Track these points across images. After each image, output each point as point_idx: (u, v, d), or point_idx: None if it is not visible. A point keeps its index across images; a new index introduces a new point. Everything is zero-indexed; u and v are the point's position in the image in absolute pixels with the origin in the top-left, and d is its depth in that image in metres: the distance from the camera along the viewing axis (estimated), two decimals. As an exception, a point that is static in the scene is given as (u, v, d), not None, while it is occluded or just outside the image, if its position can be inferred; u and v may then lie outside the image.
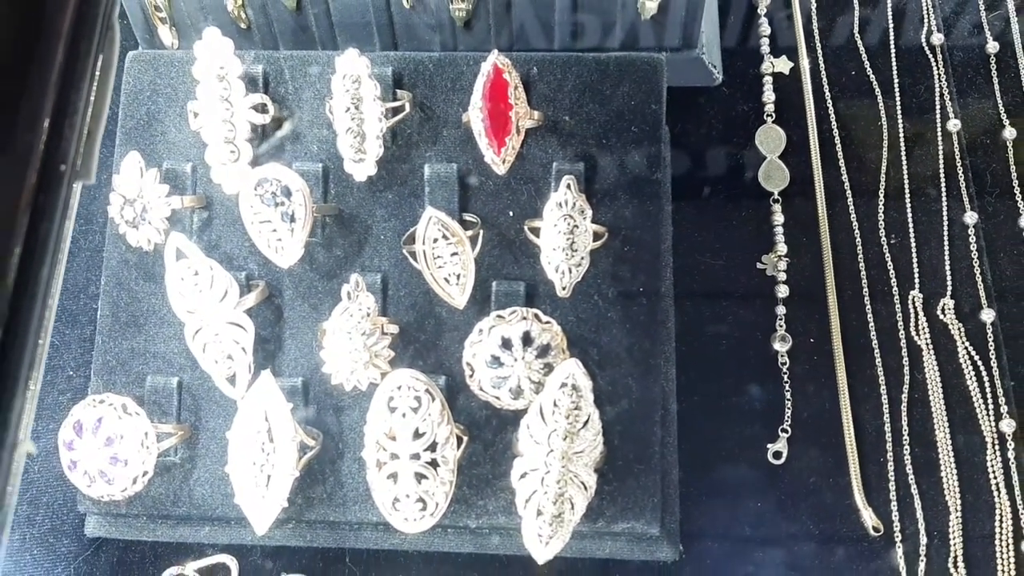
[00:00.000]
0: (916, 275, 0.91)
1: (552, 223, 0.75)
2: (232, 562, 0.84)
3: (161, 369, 0.82)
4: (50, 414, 0.91)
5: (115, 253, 0.85)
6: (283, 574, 0.83)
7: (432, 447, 0.73)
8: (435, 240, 0.75)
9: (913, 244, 0.92)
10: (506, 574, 0.83)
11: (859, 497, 0.84)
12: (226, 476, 0.81)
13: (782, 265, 0.92)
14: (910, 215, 0.93)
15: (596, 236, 0.77)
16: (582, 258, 0.75)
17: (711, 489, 0.85)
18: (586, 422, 0.72)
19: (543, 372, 0.74)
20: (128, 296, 0.84)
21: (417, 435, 0.73)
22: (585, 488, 0.73)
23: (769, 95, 0.98)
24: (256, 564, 0.85)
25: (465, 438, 0.77)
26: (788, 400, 0.87)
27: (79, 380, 0.91)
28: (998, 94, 0.97)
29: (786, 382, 0.88)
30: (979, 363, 0.87)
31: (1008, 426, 0.85)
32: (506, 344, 0.74)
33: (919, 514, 0.83)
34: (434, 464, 0.73)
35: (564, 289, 0.76)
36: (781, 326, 0.90)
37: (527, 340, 0.73)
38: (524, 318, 0.73)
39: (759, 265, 0.92)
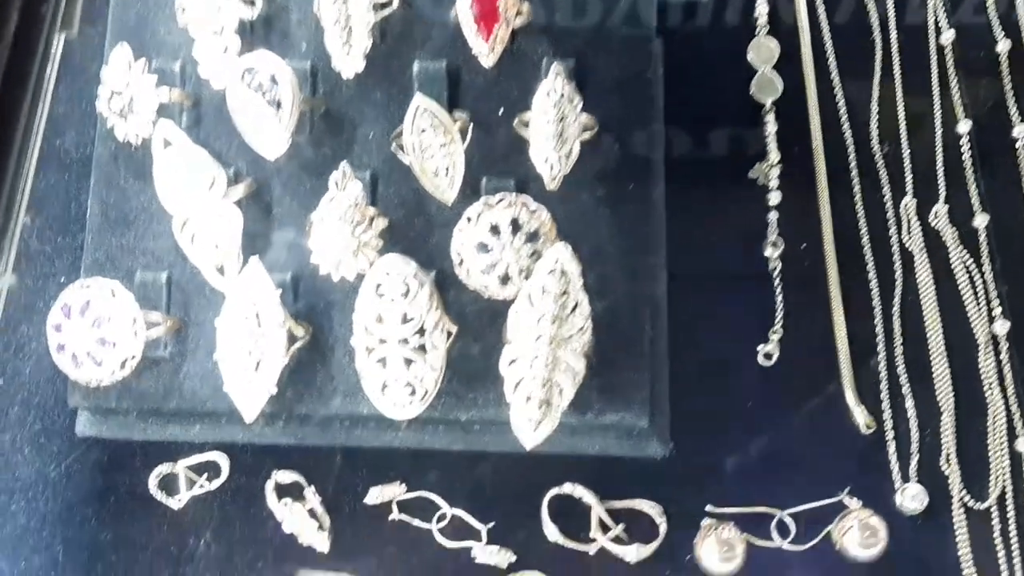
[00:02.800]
0: (909, 183, 0.91)
1: (541, 112, 0.75)
2: (223, 459, 0.84)
3: (150, 265, 0.82)
4: (41, 319, 0.91)
5: (104, 152, 0.84)
6: (275, 471, 0.83)
7: (420, 332, 0.73)
8: (423, 130, 0.75)
9: (906, 152, 0.91)
10: (497, 472, 0.84)
11: (851, 395, 0.83)
12: (216, 370, 0.81)
13: (774, 173, 0.91)
14: (903, 124, 0.92)
15: (586, 128, 0.77)
16: (571, 149, 0.75)
17: (702, 389, 0.84)
18: (575, 307, 0.72)
19: (532, 258, 0.73)
20: (117, 194, 0.84)
21: (405, 320, 0.73)
22: (574, 374, 0.73)
23: (763, 7, 0.98)
24: (247, 463, 0.84)
25: (454, 329, 0.77)
26: (779, 304, 0.87)
27: (70, 286, 0.92)
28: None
29: (777, 287, 0.88)
30: (972, 268, 0.87)
31: (1002, 327, 0.85)
32: (494, 230, 0.73)
33: (911, 413, 0.83)
34: (423, 349, 0.73)
35: (553, 180, 0.76)
36: (772, 232, 0.90)
37: (516, 226, 0.73)
38: (512, 204, 0.73)
39: (750, 175, 0.92)
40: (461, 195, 0.80)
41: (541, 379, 0.72)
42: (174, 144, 0.76)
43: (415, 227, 0.81)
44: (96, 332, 0.71)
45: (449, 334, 0.75)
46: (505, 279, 0.74)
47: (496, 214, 0.73)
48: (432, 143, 0.75)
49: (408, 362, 0.73)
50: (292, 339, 0.76)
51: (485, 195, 0.80)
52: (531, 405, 0.73)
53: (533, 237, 0.74)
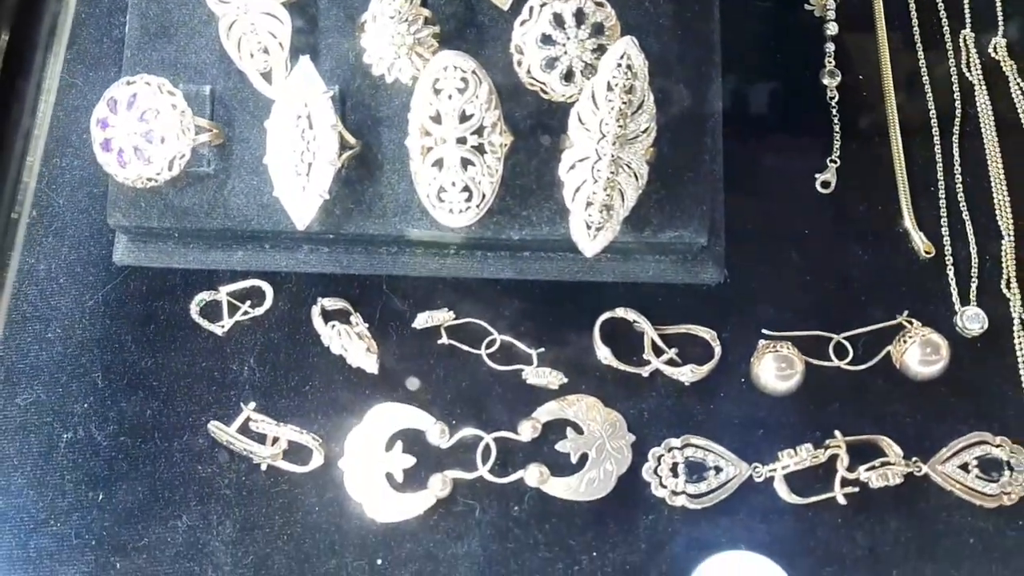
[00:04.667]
0: (967, 14, 0.88)
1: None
2: (267, 286, 0.82)
3: (193, 79, 0.80)
4: (73, 152, 0.88)
5: (144, -38, 0.82)
6: (320, 298, 0.81)
7: (479, 131, 0.70)
8: (482, -75, 0.72)
9: (965, -17, 0.90)
10: (547, 300, 0.82)
11: (909, 220, 0.81)
12: (261, 187, 0.79)
13: (831, 4, 0.89)
14: (963, -46, 0.91)
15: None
16: (636, -52, 0.73)
17: (757, 216, 0.82)
18: (640, 105, 0.70)
19: (595, 54, 0.71)
20: (158, 6, 0.81)
21: (464, 117, 0.70)
22: (637, 178, 0.71)
23: None
24: (291, 290, 0.82)
25: (511, 139, 0.74)
26: (837, 133, 0.85)
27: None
28: None
29: (835, 116, 0.86)
30: (1032, 98, 0.86)
31: (1062, 155, 0.84)
32: (558, 21, 0.71)
33: (971, 238, 0.81)
34: (480, 150, 0.71)
35: (616, -17, 0.73)
36: (830, 62, 0.87)
37: (580, 17, 0.71)
38: (576, -5, 0.70)
39: (807, 6, 0.90)
40: (515, 4, 0.77)
41: (604, 181, 0.70)
42: (222, -62, 0.72)
43: (467, 39, 0.78)
44: (143, 126, 0.68)
45: (504, 144, 0.73)
46: (568, 76, 0.71)
47: (560, 4, 0.70)
48: (491, -58, 0.73)
49: (466, 163, 0.71)
50: (344, 146, 0.74)
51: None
52: (592, 210, 0.70)
53: (598, 30, 0.71)
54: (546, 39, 0.71)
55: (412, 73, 0.73)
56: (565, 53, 0.71)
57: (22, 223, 0.83)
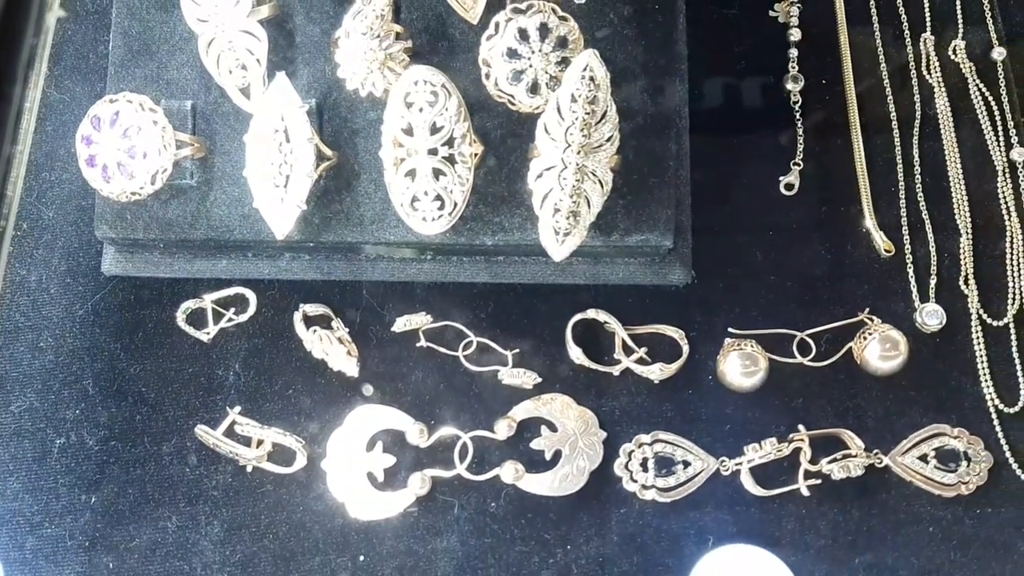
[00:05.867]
0: (927, 18, 0.91)
1: (569, -79, 0.75)
2: (250, 294, 0.84)
3: (175, 94, 0.82)
4: (61, 167, 0.90)
5: (125, -19, 0.85)
6: (302, 305, 0.84)
7: (449, 142, 0.73)
8: (449, -58, 0.75)
9: (924, -13, 0.93)
10: (521, 303, 0.85)
11: (870, 220, 0.84)
12: (242, 198, 0.81)
13: (794, 11, 0.91)
14: (922, -41, 0.93)
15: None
16: (598, -40, 0.75)
17: (723, 218, 0.85)
18: (603, 115, 0.73)
19: (560, 67, 0.74)
20: (140, 25, 0.83)
21: (435, 129, 0.73)
22: (602, 185, 0.74)
23: None
24: (274, 297, 0.85)
25: (481, 149, 0.77)
26: (800, 136, 0.88)
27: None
28: None
29: (798, 120, 0.88)
30: (990, 99, 0.88)
31: (1019, 154, 0.86)
32: (523, 36, 0.73)
33: (930, 236, 0.84)
34: (451, 160, 0.74)
35: (580, -5, 0.76)
36: (794, 67, 0.90)
37: (544, 32, 0.73)
38: (541, 11, 0.73)
39: (771, 13, 0.92)
40: (485, 17, 0.79)
41: (570, 188, 0.72)
42: (199, -41, 0.75)
43: (439, 52, 0.81)
44: (126, 142, 0.71)
45: (475, 153, 0.76)
46: (534, 88, 0.74)
47: (525, 20, 0.73)
48: (458, -41, 0.75)
49: (437, 173, 0.73)
50: (321, 158, 0.76)
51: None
52: (559, 216, 0.73)
53: (562, 43, 0.74)
54: (512, 53, 0.74)
55: (384, 87, 0.75)
56: (530, 66, 0.73)
57: (7, 235, 0.86)
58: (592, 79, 0.71)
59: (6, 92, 0.71)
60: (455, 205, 0.74)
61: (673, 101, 0.80)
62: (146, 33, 0.83)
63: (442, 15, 0.81)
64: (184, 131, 0.81)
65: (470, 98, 0.80)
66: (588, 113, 0.71)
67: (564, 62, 0.74)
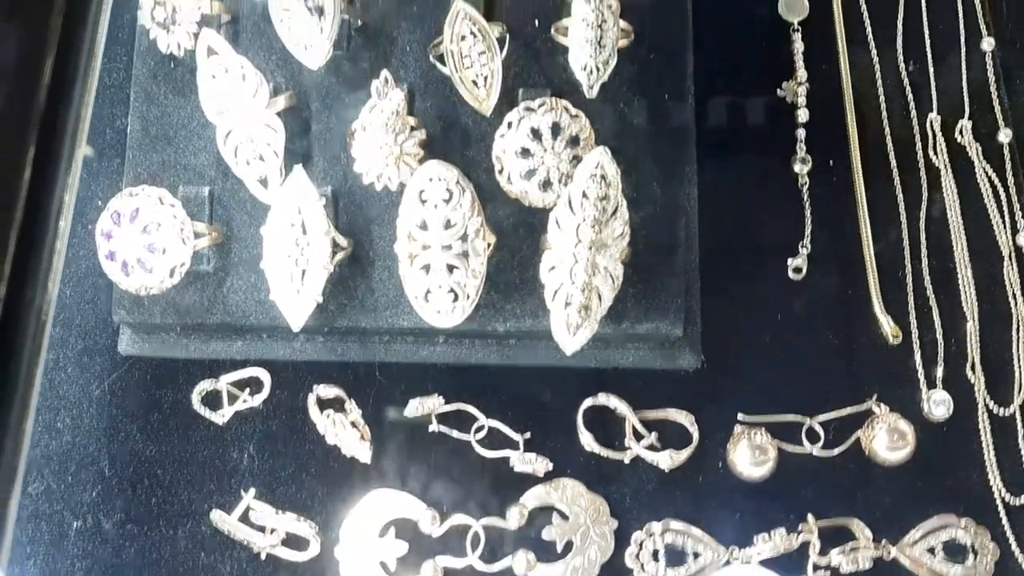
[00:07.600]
0: (934, 99, 0.92)
1: (580, 17, 0.75)
2: (265, 375, 0.85)
3: (192, 180, 0.83)
4: (78, 243, 0.91)
5: (144, 69, 0.85)
6: (315, 387, 0.85)
7: (463, 238, 0.74)
8: (463, 37, 0.76)
9: (931, 69, 0.92)
10: (533, 386, 0.85)
11: (878, 305, 0.85)
12: (259, 284, 0.83)
13: (802, 91, 0.93)
14: (928, 41, 0.93)
15: (623, 35, 0.78)
16: (610, 55, 0.76)
17: (732, 302, 0.86)
18: (615, 212, 0.74)
19: (572, 164, 0.75)
20: (158, 110, 0.85)
21: (448, 225, 0.74)
22: (613, 279, 0.75)
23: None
24: (289, 378, 0.86)
25: (493, 240, 0.78)
26: (808, 218, 0.89)
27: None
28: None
29: (806, 202, 0.89)
30: (996, 181, 0.89)
31: (1025, 239, 0.87)
32: (535, 134, 0.75)
33: (937, 322, 0.85)
34: (465, 255, 0.75)
35: (591, 88, 0.77)
36: (801, 148, 0.91)
37: (556, 130, 0.74)
38: (553, 108, 0.74)
39: (779, 92, 0.93)
40: (497, 108, 0.81)
41: (581, 284, 0.73)
42: (219, 52, 0.76)
43: (452, 141, 0.82)
44: (146, 238, 0.72)
45: (488, 244, 0.77)
46: (546, 184, 0.75)
47: (537, 118, 0.74)
48: (471, 52, 0.76)
49: (451, 268, 0.74)
50: (336, 249, 0.77)
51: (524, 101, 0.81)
52: (571, 310, 0.74)
53: (574, 142, 0.75)
54: (524, 152, 0.75)
55: (399, 181, 0.76)
56: (543, 164, 0.75)
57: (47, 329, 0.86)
58: (603, 177, 0.73)
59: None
60: (468, 298, 0.75)
61: (682, 188, 0.81)
62: (164, 118, 0.84)
63: (455, 104, 0.82)
64: (201, 217, 0.82)
65: (483, 188, 0.81)
66: (599, 210, 0.72)
67: (576, 159, 0.75)
